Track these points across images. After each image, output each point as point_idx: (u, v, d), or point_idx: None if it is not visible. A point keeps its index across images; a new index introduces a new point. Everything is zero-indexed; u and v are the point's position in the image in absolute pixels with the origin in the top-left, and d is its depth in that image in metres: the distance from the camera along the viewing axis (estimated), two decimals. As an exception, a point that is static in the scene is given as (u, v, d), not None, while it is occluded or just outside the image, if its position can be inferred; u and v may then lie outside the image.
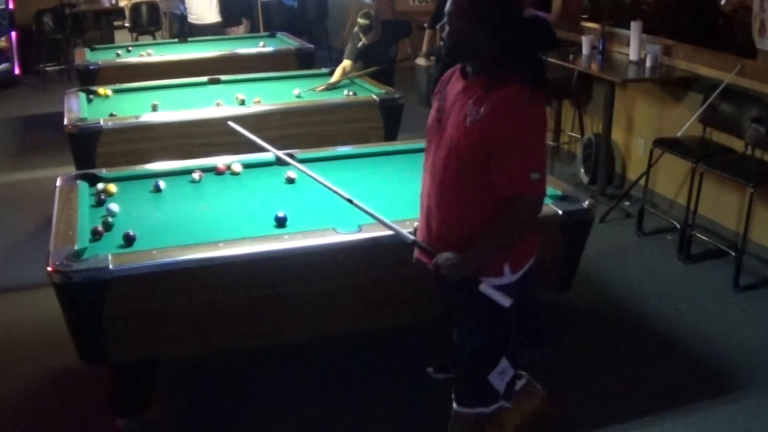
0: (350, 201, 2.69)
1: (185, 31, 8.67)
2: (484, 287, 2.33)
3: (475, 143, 2.28)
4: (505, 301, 2.32)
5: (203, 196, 3.63)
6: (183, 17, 8.90)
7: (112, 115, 4.77)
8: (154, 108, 4.96)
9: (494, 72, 2.30)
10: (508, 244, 2.35)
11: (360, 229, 3.02)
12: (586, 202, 3.35)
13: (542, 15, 2.25)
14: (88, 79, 6.26)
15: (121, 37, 10.01)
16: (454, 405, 2.59)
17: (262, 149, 2.99)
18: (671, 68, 5.21)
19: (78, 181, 3.60)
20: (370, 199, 3.50)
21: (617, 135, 5.71)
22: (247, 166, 3.90)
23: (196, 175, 3.77)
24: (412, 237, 2.55)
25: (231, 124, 3.12)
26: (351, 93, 5.35)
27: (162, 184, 3.64)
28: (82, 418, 3.24)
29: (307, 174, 2.86)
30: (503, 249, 2.36)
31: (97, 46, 7.55)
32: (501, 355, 2.50)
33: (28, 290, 4.25)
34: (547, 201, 3.37)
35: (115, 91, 5.47)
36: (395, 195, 3.59)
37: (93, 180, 3.66)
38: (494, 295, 2.32)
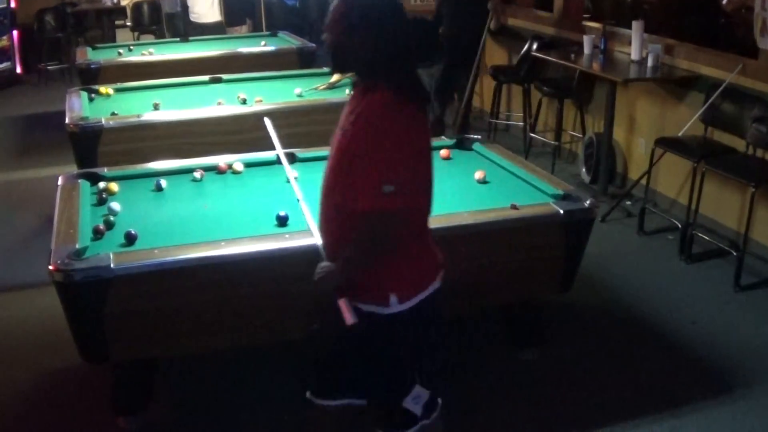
0: (298, 200, 2.66)
1: (180, 30, 8.67)
2: (342, 301, 2.27)
3: (343, 153, 2.24)
4: (350, 319, 2.24)
5: (205, 195, 3.64)
6: (182, 16, 8.90)
7: (113, 114, 4.77)
8: (156, 107, 4.96)
9: (367, 80, 2.27)
10: (365, 261, 2.25)
11: (361, 228, 3.02)
12: (588, 202, 3.35)
13: (419, 17, 2.18)
14: (90, 78, 6.27)
15: (123, 36, 10.02)
16: None
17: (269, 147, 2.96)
18: (673, 68, 5.20)
19: (79, 180, 3.60)
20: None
21: (619, 134, 5.70)
22: (249, 165, 3.90)
23: (197, 174, 3.77)
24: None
25: (266, 120, 3.08)
26: (353, 92, 5.34)
27: (163, 183, 3.64)
28: (83, 416, 3.25)
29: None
30: (363, 265, 2.26)
31: (98, 45, 7.55)
32: (405, 381, 2.43)
33: (30, 289, 4.25)
34: (549, 200, 3.38)
35: (117, 90, 5.47)
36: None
37: (94, 179, 3.66)
38: (344, 309, 2.26)
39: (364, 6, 2.24)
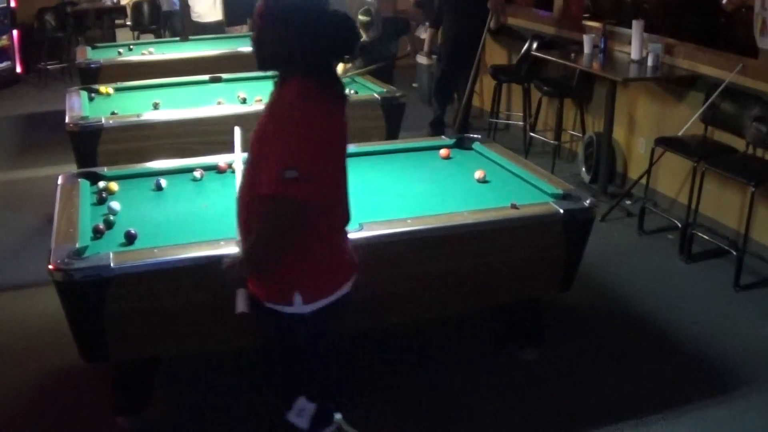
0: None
1: (178, 30, 8.66)
2: (239, 290, 2.25)
3: (257, 143, 2.23)
4: (239, 308, 2.22)
5: (204, 194, 3.63)
6: (180, 15, 8.90)
7: (113, 113, 4.77)
8: (156, 106, 4.96)
9: (285, 74, 2.27)
10: (266, 251, 2.20)
11: (361, 227, 3.02)
12: (588, 201, 3.35)
13: (340, 12, 2.17)
14: (90, 77, 6.26)
15: (123, 35, 10.01)
16: None
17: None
18: (673, 67, 5.20)
19: (79, 180, 3.60)
20: (371, 198, 3.51)
21: (618, 134, 5.71)
22: (249, 164, 3.90)
23: (197, 174, 3.77)
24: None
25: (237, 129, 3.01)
26: (352, 92, 5.35)
27: (163, 182, 3.64)
28: (83, 416, 3.25)
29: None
30: (264, 257, 2.21)
31: (98, 45, 7.54)
32: (293, 387, 2.41)
33: (30, 288, 4.25)
34: (549, 200, 3.38)
35: (117, 90, 5.47)
36: (396, 193, 3.59)
37: (94, 178, 3.66)
38: (238, 297, 2.24)
39: (294, 2, 2.25)
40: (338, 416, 2.64)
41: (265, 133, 2.21)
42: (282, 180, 2.10)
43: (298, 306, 2.27)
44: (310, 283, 2.28)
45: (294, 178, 2.10)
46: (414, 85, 8.21)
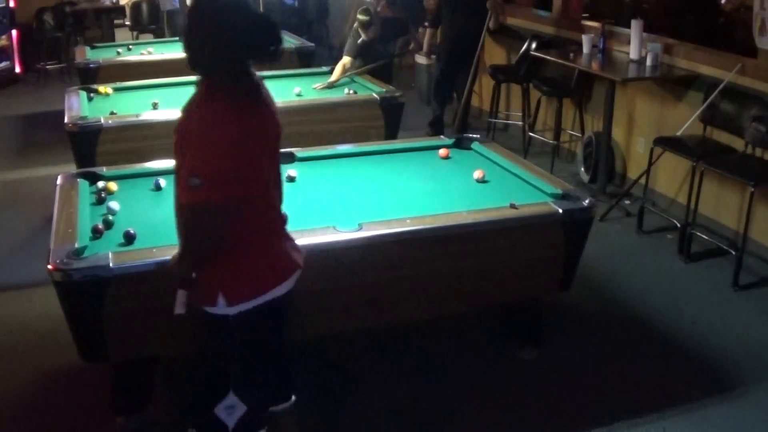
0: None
1: (179, 28, 8.67)
2: (180, 291, 2.27)
3: (178, 150, 2.27)
4: (177, 309, 2.25)
5: (203, 194, 3.63)
6: (182, 14, 8.89)
7: (112, 113, 4.77)
8: (155, 106, 4.96)
9: (209, 75, 2.28)
10: (191, 255, 2.25)
11: (360, 227, 3.02)
12: (587, 201, 3.35)
13: (265, 14, 2.20)
14: (89, 77, 6.26)
15: (122, 35, 10.01)
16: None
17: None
18: (672, 67, 5.20)
19: (78, 180, 3.60)
20: (370, 198, 3.52)
21: (618, 134, 5.71)
22: (248, 164, 3.90)
23: (196, 174, 3.76)
24: None
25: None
26: (351, 91, 5.35)
27: (162, 182, 3.64)
28: (82, 416, 3.25)
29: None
30: (191, 259, 2.26)
31: (97, 45, 7.55)
32: (218, 385, 2.41)
33: (29, 288, 4.25)
34: (548, 200, 3.38)
35: (116, 90, 5.47)
36: (395, 193, 3.59)
37: (93, 178, 3.66)
38: (177, 299, 2.26)
39: (209, 3, 2.27)
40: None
41: (182, 139, 2.24)
42: (188, 188, 2.15)
43: (222, 307, 2.28)
44: (234, 284, 2.28)
45: (197, 186, 2.13)
46: (411, 85, 8.21)
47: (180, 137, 2.25)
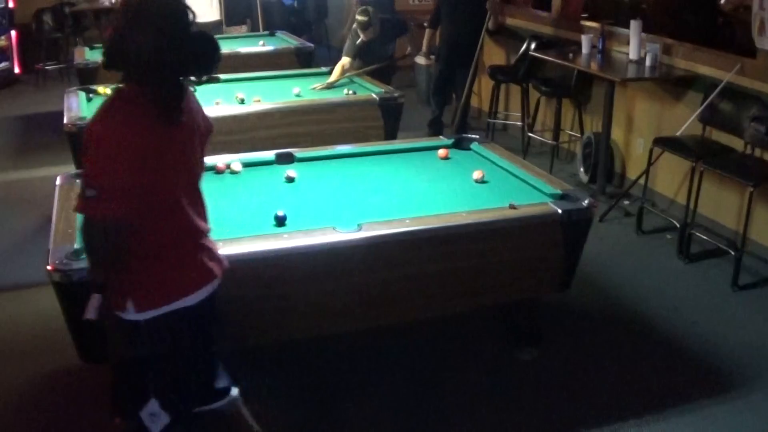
0: None
1: None
2: (93, 296, 2.24)
3: (83, 154, 2.18)
4: (86, 314, 2.22)
5: (203, 195, 3.63)
6: None
7: (111, 114, 4.75)
8: (154, 107, 4.95)
9: (124, 74, 2.21)
10: (95, 264, 2.21)
11: (360, 227, 3.02)
12: (586, 201, 3.35)
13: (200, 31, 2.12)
14: (88, 77, 6.26)
15: (121, 35, 9.99)
16: None
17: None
18: (671, 67, 5.21)
19: (78, 180, 3.60)
20: (370, 198, 3.52)
21: (617, 134, 5.71)
22: (247, 165, 3.90)
23: (195, 174, 3.76)
24: None
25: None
26: (351, 92, 5.35)
27: (161, 183, 3.64)
28: (81, 417, 3.24)
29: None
30: (96, 268, 2.22)
31: (96, 45, 7.52)
32: (137, 390, 2.40)
33: (28, 289, 4.24)
34: (547, 200, 3.38)
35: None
36: (395, 193, 3.59)
37: (92, 179, 3.65)
38: (90, 304, 2.24)
39: (145, 5, 2.17)
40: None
41: (85, 143, 2.15)
42: (84, 199, 2.09)
43: (131, 313, 2.26)
44: (142, 292, 2.26)
45: (92, 197, 2.08)
46: (411, 75, 8.19)
47: (85, 140, 2.15)
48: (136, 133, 2.11)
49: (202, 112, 2.42)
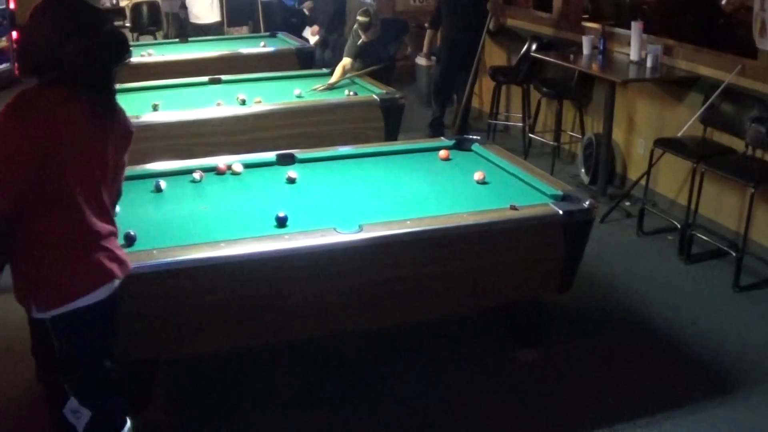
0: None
1: (185, 30, 8.68)
2: None
3: None
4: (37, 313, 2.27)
5: (204, 196, 3.63)
6: (183, 18, 8.90)
7: (112, 115, 4.75)
8: (155, 108, 4.95)
9: (39, 76, 2.24)
10: None
11: (361, 228, 3.02)
12: (587, 202, 3.35)
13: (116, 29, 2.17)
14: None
15: (122, 37, 10.00)
16: None
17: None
18: (672, 68, 5.21)
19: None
20: (371, 199, 3.52)
21: (618, 135, 5.71)
22: (248, 166, 3.90)
23: (196, 175, 3.77)
24: None
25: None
26: (352, 93, 5.35)
27: (162, 184, 3.64)
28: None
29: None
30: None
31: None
32: (57, 386, 2.40)
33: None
34: (548, 201, 3.38)
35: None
36: (396, 194, 3.59)
37: (94, 180, 3.65)
38: None
39: (57, 5, 2.21)
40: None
41: None
42: None
43: (35, 311, 2.29)
44: (40, 291, 2.28)
45: None
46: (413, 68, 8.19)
47: None
48: (35, 128, 2.12)
49: (123, 114, 2.43)
